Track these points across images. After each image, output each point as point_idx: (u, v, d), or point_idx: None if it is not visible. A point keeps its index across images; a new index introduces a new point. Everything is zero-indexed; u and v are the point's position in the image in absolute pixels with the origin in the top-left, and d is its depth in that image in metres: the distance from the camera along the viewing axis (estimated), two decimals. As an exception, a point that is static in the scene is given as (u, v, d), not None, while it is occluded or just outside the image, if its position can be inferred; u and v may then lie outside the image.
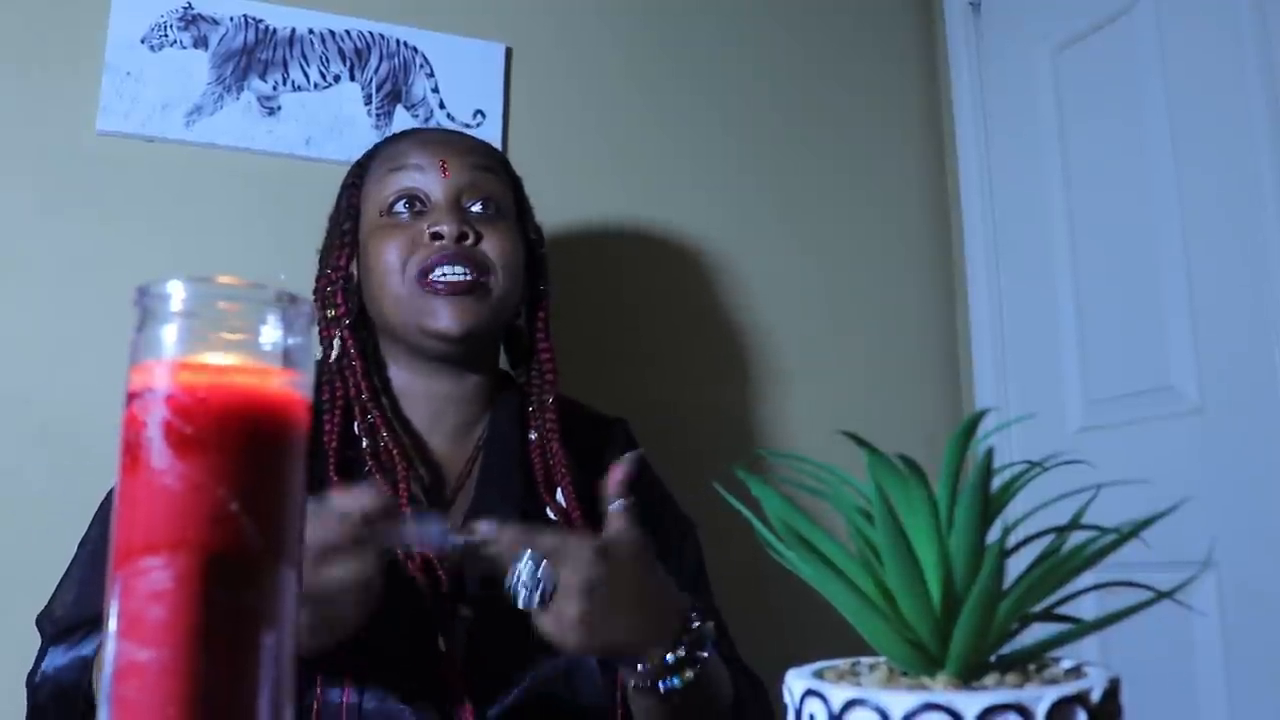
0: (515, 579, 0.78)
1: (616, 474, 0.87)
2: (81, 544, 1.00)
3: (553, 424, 1.04)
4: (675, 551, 1.09)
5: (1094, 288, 1.52)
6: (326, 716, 0.84)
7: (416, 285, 0.99)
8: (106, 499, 1.02)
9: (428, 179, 1.03)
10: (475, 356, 1.05)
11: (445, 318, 0.98)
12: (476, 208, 1.03)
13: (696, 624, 0.87)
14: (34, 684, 0.91)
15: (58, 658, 0.90)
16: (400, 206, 1.02)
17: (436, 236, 0.99)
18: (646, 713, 0.90)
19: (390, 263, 1.00)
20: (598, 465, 1.10)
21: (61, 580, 0.99)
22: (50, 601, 0.97)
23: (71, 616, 0.94)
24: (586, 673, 0.92)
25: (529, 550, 0.78)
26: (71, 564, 0.99)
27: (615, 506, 0.86)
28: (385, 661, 0.87)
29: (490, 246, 1.01)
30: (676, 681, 0.86)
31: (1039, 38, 1.63)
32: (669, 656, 0.85)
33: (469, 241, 1.00)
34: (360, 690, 0.86)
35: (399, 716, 0.86)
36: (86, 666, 0.87)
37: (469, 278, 0.99)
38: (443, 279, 0.98)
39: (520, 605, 0.78)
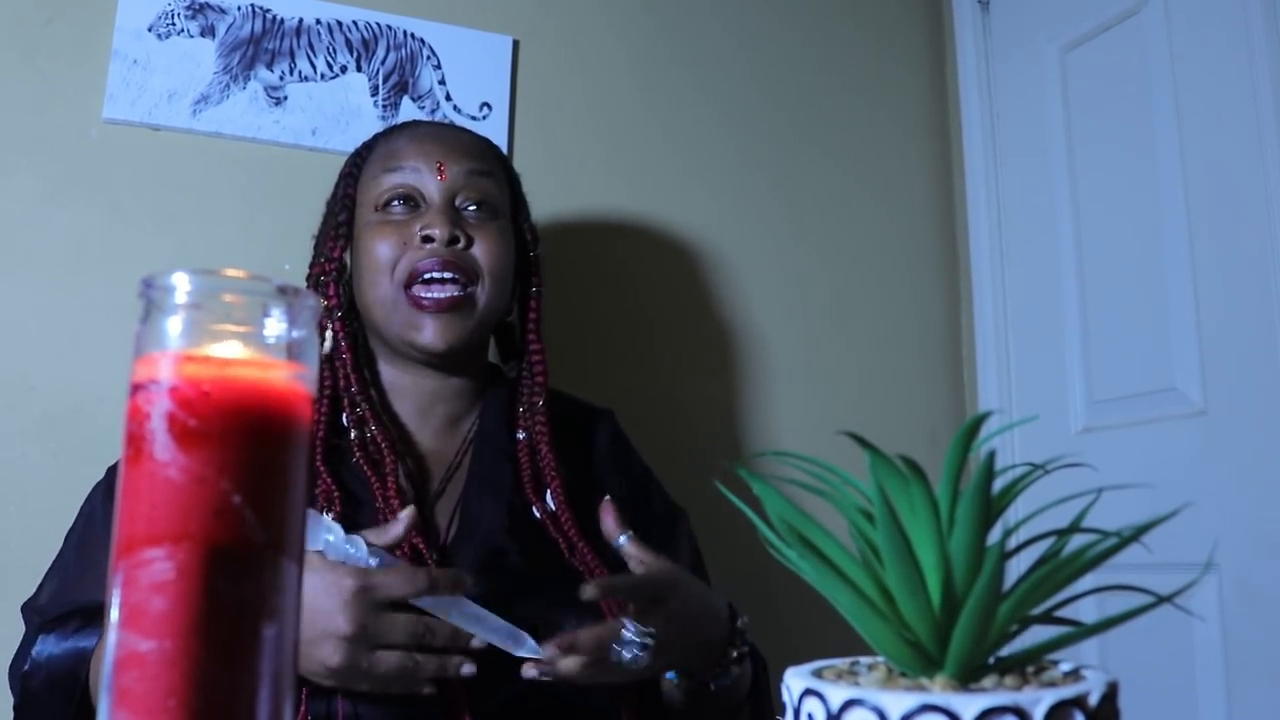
0: (623, 648, 0.82)
1: (608, 517, 0.91)
2: (67, 537, 1.00)
3: (542, 426, 1.04)
4: (670, 539, 1.09)
5: (1098, 289, 1.51)
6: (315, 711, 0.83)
7: (403, 293, 0.99)
8: (91, 494, 1.02)
9: (423, 179, 1.03)
10: (461, 360, 1.06)
11: (429, 334, 0.99)
12: (471, 209, 1.04)
13: (740, 621, 0.91)
14: (23, 671, 0.89)
15: (50, 646, 0.88)
16: (395, 204, 1.03)
17: (428, 239, 1.00)
18: (689, 708, 0.91)
19: (380, 261, 1.00)
20: (586, 457, 1.10)
21: (47, 572, 0.99)
22: (36, 593, 0.97)
23: (57, 605, 0.93)
24: None
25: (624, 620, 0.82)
26: (56, 557, 0.99)
27: (624, 542, 0.90)
28: None
29: (481, 251, 1.02)
30: (727, 680, 0.89)
31: (1047, 37, 1.63)
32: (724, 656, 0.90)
33: (460, 245, 1.00)
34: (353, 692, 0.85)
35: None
36: (84, 659, 0.86)
37: (455, 294, 0.99)
38: (429, 295, 0.99)
39: (635, 667, 0.82)
